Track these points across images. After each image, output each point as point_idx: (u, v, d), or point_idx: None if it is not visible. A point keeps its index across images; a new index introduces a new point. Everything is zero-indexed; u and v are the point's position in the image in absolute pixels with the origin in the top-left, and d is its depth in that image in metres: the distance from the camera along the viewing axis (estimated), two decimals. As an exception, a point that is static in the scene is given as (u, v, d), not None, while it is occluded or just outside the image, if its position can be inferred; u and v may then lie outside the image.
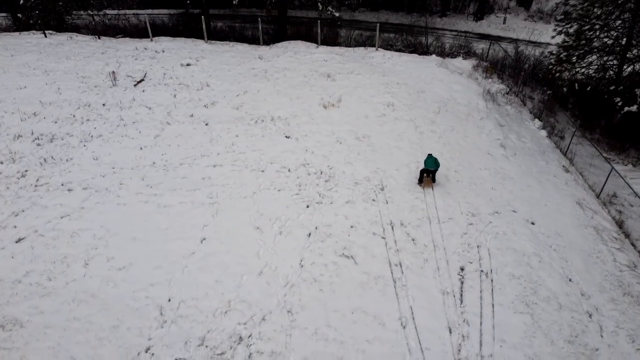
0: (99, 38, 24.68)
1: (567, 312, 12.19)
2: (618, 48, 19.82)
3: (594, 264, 13.76)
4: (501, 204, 15.43)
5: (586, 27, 19.23)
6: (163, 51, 22.70)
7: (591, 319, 12.13)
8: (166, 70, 20.99)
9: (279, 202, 14.87)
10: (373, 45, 25.00)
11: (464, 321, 11.78)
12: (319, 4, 26.36)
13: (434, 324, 11.67)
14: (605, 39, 19.98)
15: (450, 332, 11.50)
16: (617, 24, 19.39)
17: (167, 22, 29.53)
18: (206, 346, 10.87)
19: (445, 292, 12.46)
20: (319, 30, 24.71)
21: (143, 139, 17.11)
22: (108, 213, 14.20)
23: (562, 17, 20.18)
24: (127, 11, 30.47)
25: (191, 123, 18.01)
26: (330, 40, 26.31)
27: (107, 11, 29.16)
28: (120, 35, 25.71)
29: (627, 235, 15.11)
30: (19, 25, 26.69)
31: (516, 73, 23.73)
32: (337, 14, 26.83)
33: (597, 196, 16.72)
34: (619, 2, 18.18)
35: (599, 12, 18.83)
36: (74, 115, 17.93)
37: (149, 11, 28.20)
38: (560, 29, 20.41)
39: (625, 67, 20.31)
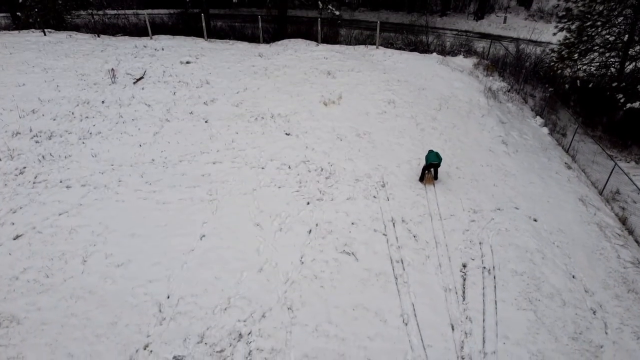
0: (99, 36, 24.59)
1: (571, 308, 12.05)
2: (620, 44, 19.71)
3: (598, 261, 13.62)
4: (503, 200, 15.30)
5: (588, 24, 19.13)
6: (163, 49, 22.59)
7: (595, 316, 11.99)
8: (166, 67, 20.88)
9: (279, 199, 14.73)
10: (373, 44, 24.90)
11: (466, 318, 11.64)
12: (319, 2, 26.27)
13: (436, 320, 11.53)
14: (607, 36, 19.87)
15: (453, 329, 11.36)
16: (619, 21, 19.28)
17: (166, 21, 29.43)
18: (205, 343, 10.73)
19: (448, 288, 12.32)
20: (319, 28, 24.61)
21: (142, 136, 16.99)
22: (107, 210, 14.06)
23: (564, 13, 20.07)
24: (127, 11, 30.39)
25: (190, 120, 17.89)
26: (331, 39, 26.23)
27: (107, 11, 29.08)
28: (119, 34, 25.62)
29: (631, 232, 14.98)
30: (18, 24, 26.60)
31: (517, 71, 23.61)
32: (337, 13, 26.75)
33: (600, 193, 16.59)
34: (621, -2, 18.14)
35: (600, 9, 18.73)
36: (72, 113, 17.82)
37: (149, 11, 28.07)
38: (562, 25, 20.31)
39: (627, 64, 20.19)
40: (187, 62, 21.34)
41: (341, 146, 16.96)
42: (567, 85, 21.80)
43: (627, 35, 19.46)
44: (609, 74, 20.61)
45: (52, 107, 17.98)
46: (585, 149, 18.92)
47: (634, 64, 19.97)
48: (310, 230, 13.69)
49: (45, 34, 23.98)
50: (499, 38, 30.31)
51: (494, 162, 16.98)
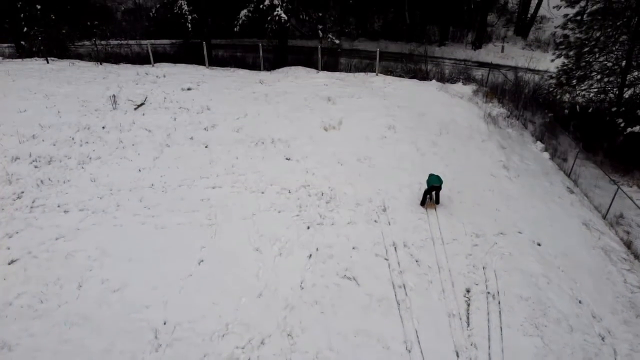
0: (101, 64, 24.82)
1: (579, 334, 11.72)
2: (618, 70, 19.83)
3: (604, 286, 13.34)
4: (506, 224, 15.11)
5: (586, 50, 19.30)
6: (164, 76, 22.76)
7: (604, 342, 11.65)
8: (167, 94, 20.98)
9: (279, 223, 14.56)
10: (373, 71, 25.12)
11: (471, 344, 11.32)
12: (320, 31, 26.63)
13: (441, 347, 11.22)
14: (605, 62, 20.03)
15: (458, 356, 11.03)
16: (616, 47, 19.47)
17: (169, 51, 29.82)
18: (202, 370, 10.40)
19: (452, 314, 12.03)
20: (319, 56, 24.87)
21: (142, 161, 16.92)
22: (104, 234, 13.88)
23: (562, 40, 20.27)
24: (130, 41, 30.85)
25: (191, 145, 17.85)
26: (331, 67, 26.48)
27: (111, 41, 29.51)
28: (122, 62, 25.88)
29: (637, 256, 14.72)
30: (22, 53, 26.93)
31: (516, 97, 23.71)
32: (337, 41, 27.07)
33: (604, 217, 16.40)
34: (618, 24, 18.31)
35: (598, 35, 18.93)
36: (73, 138, 17.80)
37: (152, 41, 28.42)
38: (559, 52, 20.49)
39: (625, 89, 20.29)
40: (188, 89, 21.45)
41: (342, 171, 16.86)
42: (566, 111, 21.86)
43: (624, 61, 19.59)
44: (607, 99, 20.67)
45: (52, 133, 17.97)
46: (586, 173, 18.81)
47: (632, 89, 20.05)
48: (310, 255, 13.47)
49: (48, 62, 24.21)
50: (497, 66, 30.57)
51: (496, 187, 16.85)
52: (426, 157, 17.82)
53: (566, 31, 20.33)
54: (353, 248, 13.75)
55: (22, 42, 26.54)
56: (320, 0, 28.84)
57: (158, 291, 12.22)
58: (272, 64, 26.90)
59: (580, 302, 12.68)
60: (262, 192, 15.77)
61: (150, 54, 24.86)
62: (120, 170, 16.46)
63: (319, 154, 17.64)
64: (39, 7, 25.86)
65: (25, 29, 25.80)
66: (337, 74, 24.79)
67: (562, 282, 13.18)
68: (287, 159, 17.38)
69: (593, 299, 12.81)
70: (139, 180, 16.05)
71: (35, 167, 16.34)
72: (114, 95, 20.15)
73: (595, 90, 20.79)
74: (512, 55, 34.92)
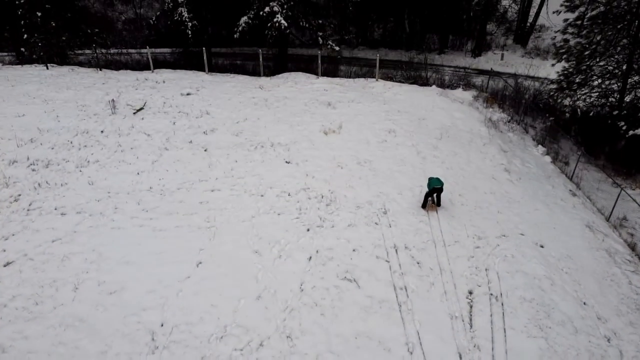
0: (101, 70, 24.81)
1: (584, 336, 11.49)
2: (619, 73, 19.77)
3: (609, 287, 13.13)
4: (508, 227, 14.93)
5: (586, 54, 19.26)
6: (164, 81, 22.73)
7: (610, 344, 11.42)
8: (166, 99, 20.93)
9: (278, 226, 14.38)
10: (373, 77, 25.09)
11: (474, 346, 11.09)
12: (320, 38, 26.65)
13: (443, 349, 10.98)
14: (606, 66, 19.97)
15: (461, 358, 10.81)
16: (617, 50, 19.42)
17: (169, 59, 29.84)
18: (200, 373, 10.17)
19: (454, 316, 11.81)
20: (319, 61, 24.87)
21: (140, 164, 16.79)
22: (101, 237, 13.70)
23: (562, 44, 20.23)
24: (130, 50, 30.91)
25: (190, 149, 17.74)
26: (331, 73, 26.43)
27: (111, 50, 29.55)
28: (122, 69, 25.86)
29: (641, 258, 14.54)
30: (22, 60, 26.95)
31: (517, 103, 23.66)
32: (337, 48, 27.06)
33: (607, 219, 16.22)
34: (619, 27, 18.29)
35: (598, 38, 18.90)
36: (71, 142, 17.69)
37: (152, 50, 28.47)
38: (559, 56, 20.43)
39: (627, 93, 20.21)
40: (188, 94, 21.41)
41: (342, 174, 16.72)
42: (567, 114, 21.77)
43: (625, 65, 19.54)
44: (609, 103, 20.59)
45: (50, 137, 17.88)
46: (588, 177, 18.66)
47: (634, 92, 19.97)
48: (310, 257, 13.28)
49: (47, 68, 24.21)
50: (497, 74, 30.60)
51: (497, 190, 16.69)
52: (427, 161, 17.69)
53: (566, 36, 20.31)
54: (353, 250, 13.56)
55: (22, 49, 26.55)
56: (320, 7, 28.97)
57: (155, 293, 12.02)
58: (272, 71, 26.90)
59: (584, 303, 12.46)
60: (262, 195, 15.62)
61: (150, 60, 24.87)
62: (119, 174, 16.33)
63: (319, 157, 17.52)
64: (39, 14, 25.89)
65: (25, 36, 25.82)
66: (337, 79, 24.76)
67: (566, 284, 12.97)
68: (286, 162, 17.25)
69: (598, 301, 12.59)
70: (138, 184, 15.91)
71: (33, 170, 16.21)
72: (113, 100, 20.09)
73: (596, 94, 20.72)
74: (511, 63, 34.94)
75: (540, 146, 20.27)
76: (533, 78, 27.17)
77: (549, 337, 11.32)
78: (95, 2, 41.50)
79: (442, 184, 14.87)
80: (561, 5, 21.01)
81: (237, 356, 10.62)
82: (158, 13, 30.29)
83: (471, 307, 12.09)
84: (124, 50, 29.81)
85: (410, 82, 26.30)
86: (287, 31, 26.14)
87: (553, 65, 21.17)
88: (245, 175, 16.53)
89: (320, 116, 20.07)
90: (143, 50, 29.44)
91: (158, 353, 10.61)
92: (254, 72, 26.35)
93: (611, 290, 13.02)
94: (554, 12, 21.62)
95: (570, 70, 20.22)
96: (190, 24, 26.09)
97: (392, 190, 16.07)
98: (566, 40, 20.12)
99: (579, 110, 21.05)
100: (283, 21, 24.75)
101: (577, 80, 20.25)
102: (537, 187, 17.31)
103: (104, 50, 28.00)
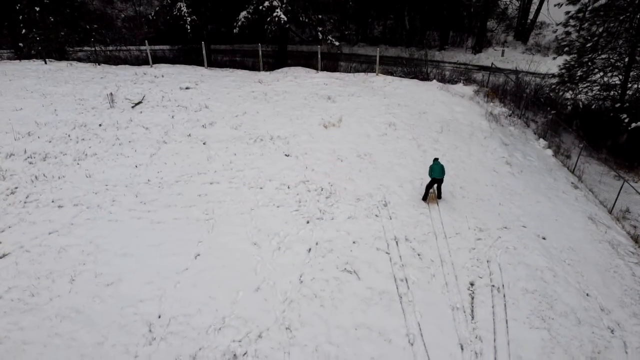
0: (99, 64, 24.67)
1: (587, 327, 11.34)
2: (621, 65, 19.61)
3: (612, 279, 12.97)
4: (510, 219, 14.78)
5: (588, 46, 19.11)
6: (162, 76, 22.59)
7: (613, 335, 11.26)
8: (165, 93, 20.78)
9: (277, 218, 14.23)
10: (373, 72, 24.94)
11: (476, 337, 10.93)
12: (320, 33, 26.50)
13: (444, 340, 10.83)
14: (608, 58, 19.81)
15: (462, 349, 10.64)
16: (619, 43, 19.27)
17: (168, 55, 29.70)
18: (197, 364, 10.01)
19: (455, 307, 11.66)
20: (319, 56, 24.72)
21: (139, 157, 16.65)
22: (98, 229, 13.55)
23: (563, 36, 20.08)
24: (131, 47, 30.79)
25: (188, 142, 17.59)
26: (330, 69, 26.32)
27: (110, 47, 29.43)
28: (121, 64, 25.73)
29: (644, 250, 14.38)
30: (20, 55, 26.82)
31: (518, 98, 23.52)
32: (337, 44, 26.95)
33: (610, 211, 16.07)
34: (621, 18, 18.12)
35: (600, 30, 18.74)
36: (69, 135, 17.55)
37: (151, 46, 28.36)
38: (561, 48, 20.28)
39: (629, 85, 20.05)
40: (187, 88, 21.27)
41: (342, 167, 16.58)
42: (569, 107, 21.61)
43: (627, 58, 19.38)
44: (610, 96, 20.43)
45: (48, 130, 17.74)
46: (590, 170, 18.51)
47: (636, 85, 19.81)
48: (310, 249, 13.13)
49: (46, 63, 24.06)
50: (497, 69, 30.49)
51: (499, 182, 16.54)
52: (428, 154, 17.54)
53: (568, 28, 20.16)
54: (353, 242, 13.41)
55: (21, 45, 26.42)
56: (320, 2, 28.82)
57: (153, 285, 11.87)
58: (271, 66, 26.77)
59: (587, 295, 12.30)
60: (261, 188, 15.47)
61: (149, 55, 24.75)
62: (117, 167, 16.18)
63: (319, 150, 17.37)
64: (37, 9, 25.76)
65: (23, 31, 25.70)
66: (336, 74, 24.62)
67: (569, 276, 12.81)
68: (286, 155, 17.11)
69: (601, 292, 12.43)
70: (135, 176, 15.77)
71: (30, 163, 16.07)
72: (111, 94, 19.95)
73: (598, 87, 20.56)
74: (512, 59, 34.80)
75: (541, 139, 20.12)
76: (534, 74, 27.03)
77: (552, 328, 11.17)
78: (94, -1, 41.39)
79: (443, 174, 14.71)
80: (562, -2, 20.93)
81: (235, 347, 10.47)
82: (157, 9, 30.13)
83: (472, 298, 11.94)
84: (123, 47, 29.68)
85: (411, 77, 26.16)
86: (287, 26, 26.01)
87: (554, 58, 21.11)
88: (244, 168, 16.38)
89: (320, 110, 19.92)
90: (142, 47, 29.34)
91: (155, 344, 10.45)
92: (254, 68, 26.23)
93: (614, 282, 12.87)
94: (555, 5, 21.50)
95: (572, 63, 20.07)
96: (189, 19, 25.97)
97: (393, 182, 15.92)
98: (568, 33, 19.98)
99: (580, 103, 20.89)
100: (282, 15, 24.61)
101: (579, 73, 20.08)
102: (539, 179, 17.16)
103: (102, 47, 27.86)
